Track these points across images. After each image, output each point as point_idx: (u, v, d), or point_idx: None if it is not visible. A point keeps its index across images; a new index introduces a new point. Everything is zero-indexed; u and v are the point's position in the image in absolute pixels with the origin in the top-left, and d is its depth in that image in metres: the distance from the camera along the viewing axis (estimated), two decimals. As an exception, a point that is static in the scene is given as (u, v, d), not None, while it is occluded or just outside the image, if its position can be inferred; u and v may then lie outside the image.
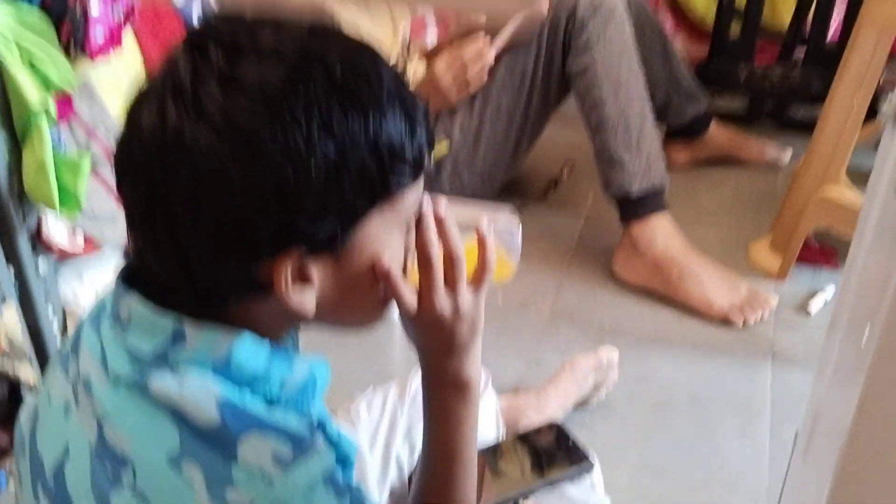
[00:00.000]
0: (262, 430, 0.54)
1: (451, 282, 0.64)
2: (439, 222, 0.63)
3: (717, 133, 2.07)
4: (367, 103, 0.53)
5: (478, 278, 0.66)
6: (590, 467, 1.08)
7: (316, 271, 0.56)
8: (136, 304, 0.56)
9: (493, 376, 1.29)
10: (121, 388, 0.55)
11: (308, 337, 0.71)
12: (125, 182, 0.55)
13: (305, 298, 0.56)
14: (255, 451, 0.53)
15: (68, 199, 1.11)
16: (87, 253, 1.23)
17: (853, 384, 0.61)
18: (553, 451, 1.11)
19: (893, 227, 0.57)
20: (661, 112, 1.97)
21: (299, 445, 0.54)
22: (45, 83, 1.08)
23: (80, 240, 1.21)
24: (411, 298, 0.63)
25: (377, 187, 0.55)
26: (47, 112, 1.09)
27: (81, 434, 0.57)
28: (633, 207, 1.61)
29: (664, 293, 1.60)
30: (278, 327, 0.61)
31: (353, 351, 1.39)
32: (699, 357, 1.46)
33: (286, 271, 0.54)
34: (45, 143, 1.09)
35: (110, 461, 0.55)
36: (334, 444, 0.57)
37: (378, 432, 1.06)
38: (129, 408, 0.55)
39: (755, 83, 2.23)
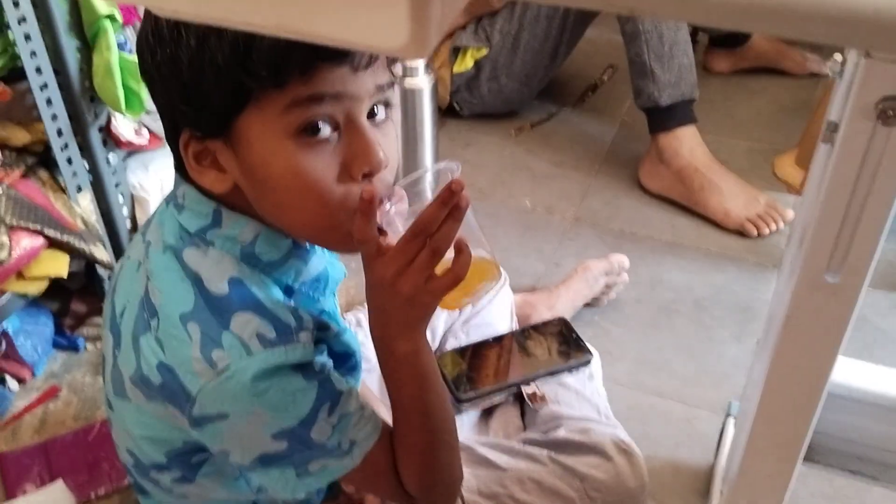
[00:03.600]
0: (256, 310, 0.66)
1: (417, 261, 0.63)
2: (456, 210, 0.62)
3: (760, 42, 2.08)
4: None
5: (442, 282, 0.63)
6: (588, 360, 1.21)
7: (223, 160, 0.65)
8: (188, 189, 0.70)
9: (513, 275, 1.41)
10: (167, 253, 0.69)
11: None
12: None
13: (216, 182, 0.66)
14: (244, 325, 0.64)
15: (133, 100, 1.24)
16: (151, 147, 1.36)
17: (787, 295, 0.71)
18: (557, 343, 1.24)
19: (822, 169, 0.66)
20: (704, 20, 1.98)
21: (283, 333, 0.66)
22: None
23: (145, 134, 1.35)
24: (372, 237, 0.63)
25: (230, 82, 0.60)
26: (113, 16, 1.20)
27: (139, 286, 0.70)
28: (661, 118, 1.67)
29: (685, 202, 1.68)
30: (282, 224, 0.69)
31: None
32: (710, 264, 1.56)
33: (188, 150, 0.65)
34: (111, 46, 1.20)
35: (147, 310, 0.68)
36: (328, 341, 0.70)
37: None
38: (166, 269, 0.68)
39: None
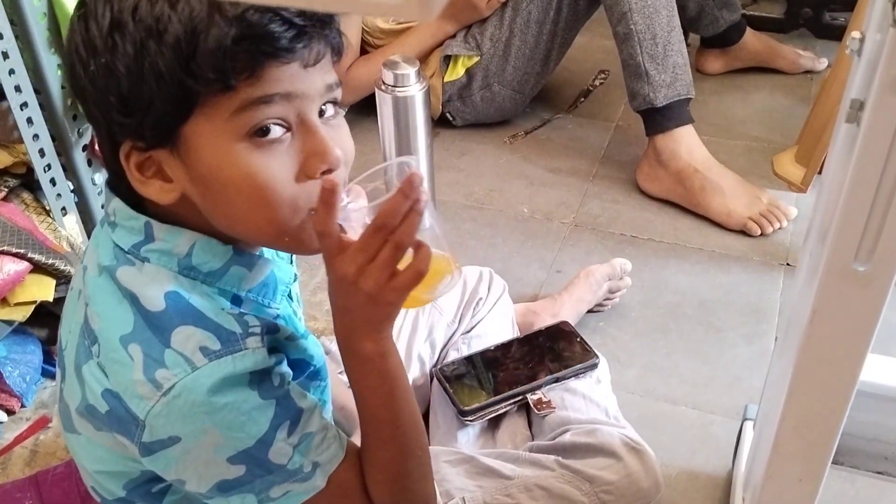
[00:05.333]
0: (196, 322, 0.62)
1: (376, 258, 0.61)
2: (416, 205, 0.60)
3: (752, 41, 2.06)
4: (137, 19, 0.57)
5: (404, 278, 0.62)
6: (595, 364, 1.17)
7: (169, 169, 0.63)
8: (118, 205, 0.66)
9: (515, 284, 1.38)
10: (102, 276, 0.66)
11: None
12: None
13: (162, 193, 0.63)
14: (186, 340, 0.61)
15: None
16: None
17: (811, 290, 0.67)
18: (561, 348, 1.20)
19: (847, 149, 0.62)
20: (695, 21, 1.97)
21: (228, 342, 0.62)
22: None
23: (130, 154, 1.31)
24: (334, 233, 0.61)
25: (174, 88, 0.57)
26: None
27: (80, 314, 0.67)
28: (658, 119, 1.64)
29: (686, 204, 1.65)
30: (236, 233, 0.66)
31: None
32: (715, 265, 1.52)
33: (130, 161, 0.62)
34: (94, 64, 1.17)
35: (88, 338, 0.65)
36: (283, 348, 0.67)
37: (401, 332, 1.16)
38: (102, 292, 0.65)
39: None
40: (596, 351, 1.20)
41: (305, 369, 0.73)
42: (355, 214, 0.63)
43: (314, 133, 0.62)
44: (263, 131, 0.60)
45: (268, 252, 0.73)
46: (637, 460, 0.99)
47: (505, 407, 1.13)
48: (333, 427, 0.70)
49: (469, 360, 1.18)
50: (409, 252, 0.62)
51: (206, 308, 0.64)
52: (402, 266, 0.62)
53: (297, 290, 0.84)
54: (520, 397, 1.13)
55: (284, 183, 0.62)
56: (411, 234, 0.61)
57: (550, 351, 1.20)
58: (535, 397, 1.12)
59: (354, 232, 0.63)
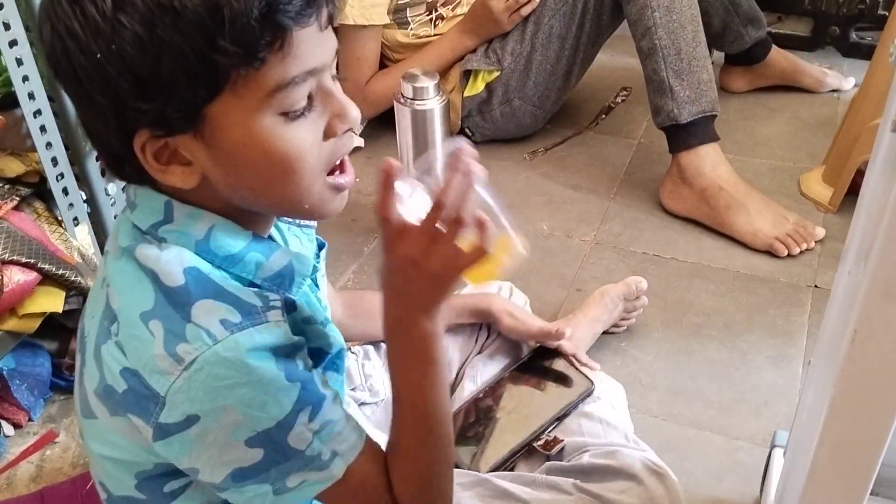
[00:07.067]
0: (217, 296, 0.61)
1: (437, 237, 0.62)
2: (471, 177, 0.61)
3: (778, 59, 2.02)
4: None
5: (468, 256, 0.62)
6: (590, 389, 1.11)
7: (189, 153, 0.61)
8: (139, 187, 0.65)
9: (534, 302, 1.34)
10: (123, 256, 0.65)
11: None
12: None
13: (185, 177, 0.62)
14: (206, 313, 0.60)
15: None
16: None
17: (851, 311, 0.64)
18: (552, 380, 1.14)
19: (893, 163, 0.59)
20: (720, 37, 1.93)
21: (248, 315, 0.61)
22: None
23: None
24: (396, 216, 0.61)
25: (200, 69, 0.55)
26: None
27: (102, 299, 0.66)
28: (682, 136, 1.61)
29: (710, 223, 1.61)
30: (248, 216, 0.67)
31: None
32: (740, 286, 1.48)
33: (147, 151, 0.60)
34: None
35: (108, 318, 0.64)
36: (304, 331, 0.66)
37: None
38: (122, 271, 0.64)
39: (820, 6, 2.15)
40: (587, 374, 1.13)
41: (324, 358, 0.72)
42: (411, 201, 0.64)
43: (333, 95, 0.64)
44: (296, 109, 0.61)
45: (284, 240, 0.73)
46: (659, 484, 0.95)
47: (511, 462, 1.06)
48: (353, 419, 0.69)
49: (466, 412, 1.11)
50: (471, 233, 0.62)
51: (225, 282, 0.63)
52: (465, 246, 0.62)
53: (324, 283, 0.83)
54: (526, 447, 1.06)
55: (314, 149, 0.63)
56: (468, 209, 0.61)
57: (542, 387, 1.13)
58: (540, 442, 1.06)
59: (411, 217, 0.63)
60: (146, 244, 0.64)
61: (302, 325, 0.68)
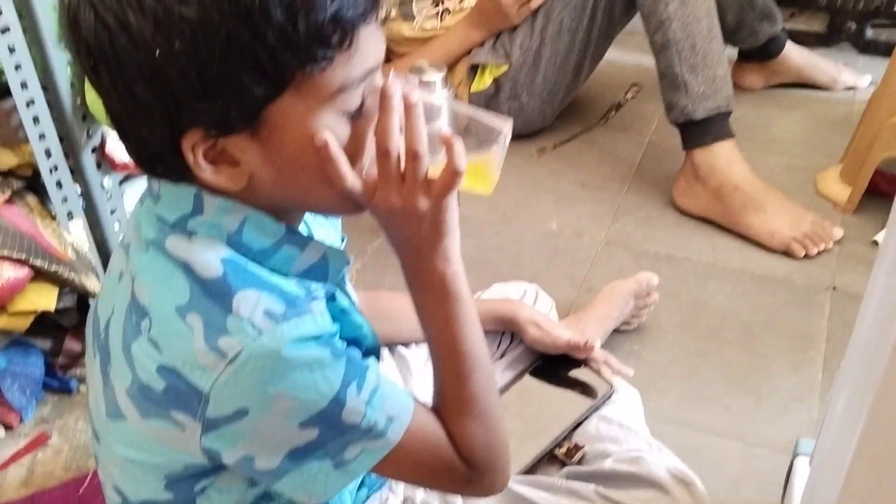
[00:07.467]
0: (258, 287, 0.59)
1: (405, 177, 0.61)
2: (407, 109, 0.60)
3: (793, 56, 1.98)
4: None
5: (440, 181, 0.62)
6: (609, 392, 1.08)
7: (239, 152, 0.58)
8: (164, 181, 0.62)
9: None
10: (150, 249, 0.61)
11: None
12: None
13: (234, 178, 0.59)
14: (248, 304, 0.58)
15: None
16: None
17: (892, 321, 0.59)
18: (568, 385, 1.11)
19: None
20: (734, 33, 1.89)
21: (293, 305, 0.59)
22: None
23: (142, 157, 1.25)
24: (351, 179, 0.60)
25: (269, 67, 0.54)
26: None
27: (125, 293, 0.63)
28: (696, 133, 1.56)
29: (725, 222, 1.56)
30: (284, 210, 0.64)
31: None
32: (756, 287, 1.43)
33: (197, 151, 0.57)
34: (105, 62, 1.11)
35: (136, 313, 0.61)
36: (340, 319, 0.64)
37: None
38: (151, 264, 0.61)
39: (835, 1, 2.10)
40: (607, 378, 1.10)
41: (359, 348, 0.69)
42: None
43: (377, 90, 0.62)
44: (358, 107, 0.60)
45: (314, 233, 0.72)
46: (686, 493, 0.91)
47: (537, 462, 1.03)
48: (397, 382, 0.67)
49: None
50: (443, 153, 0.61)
51: (264, 273, 0.61)
52: (437, 170, 0.61)
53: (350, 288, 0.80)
54: (547, 454, 1.03)
55: (371, 145, 0.61)
56: (416, 138, 0.60)
57: (560, 392, 1.10)
58: (562, 450, 1.02)
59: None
60: (176, 236, 0.61)
61: (340, 315, 0.66)
